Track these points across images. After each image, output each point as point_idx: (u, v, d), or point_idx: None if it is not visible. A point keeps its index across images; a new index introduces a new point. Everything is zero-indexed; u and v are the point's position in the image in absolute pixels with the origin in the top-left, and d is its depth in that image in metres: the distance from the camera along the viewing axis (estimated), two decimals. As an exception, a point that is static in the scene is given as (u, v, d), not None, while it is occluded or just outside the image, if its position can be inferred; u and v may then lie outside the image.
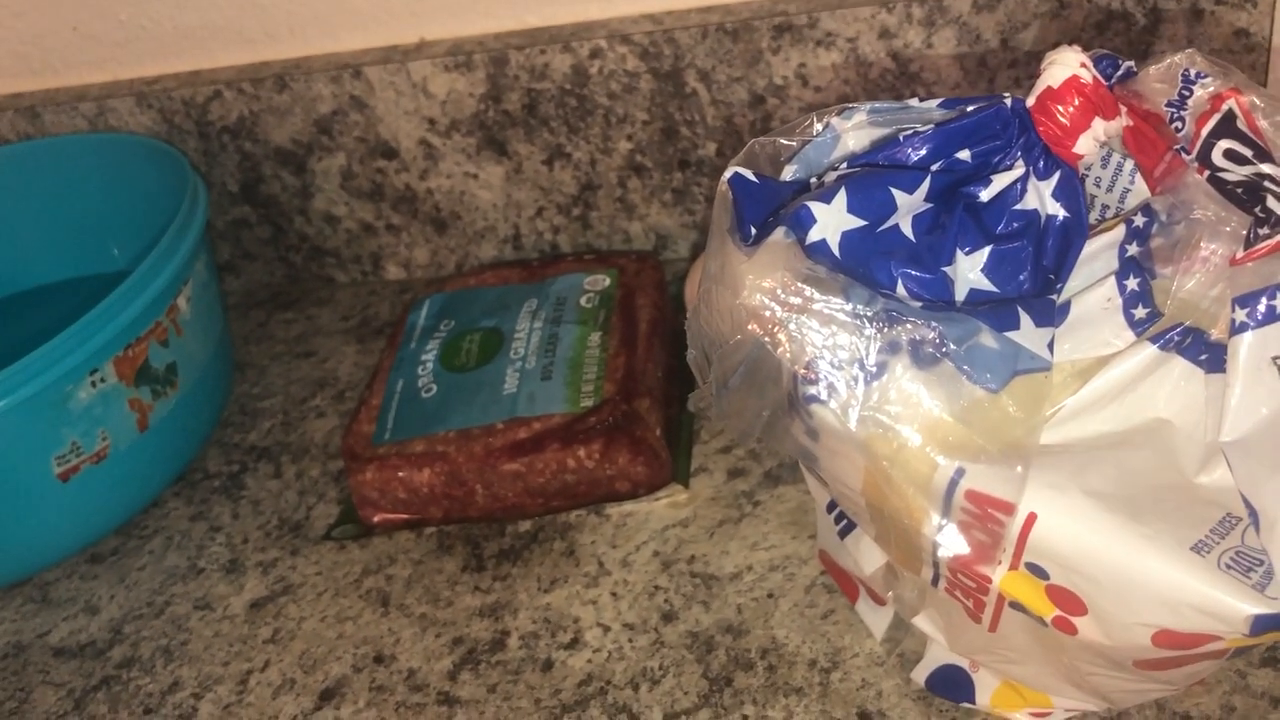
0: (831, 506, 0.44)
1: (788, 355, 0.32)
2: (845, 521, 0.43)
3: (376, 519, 0.55)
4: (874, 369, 0.32)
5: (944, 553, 0.33)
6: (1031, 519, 0.32)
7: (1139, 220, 0.34)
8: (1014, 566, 0.33)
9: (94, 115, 0.69)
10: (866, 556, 0.42)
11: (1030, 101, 0.34)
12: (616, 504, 0.54)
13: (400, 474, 0.53)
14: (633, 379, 0.54)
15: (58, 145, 0.68)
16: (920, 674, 0.43)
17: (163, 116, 0.68)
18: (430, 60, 0.64)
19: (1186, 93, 0.33)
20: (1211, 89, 0.33)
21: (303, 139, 0.68)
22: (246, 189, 0.70)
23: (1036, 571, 0.33)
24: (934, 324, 0.31)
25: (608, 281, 0.60)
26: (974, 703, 0.42)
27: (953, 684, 0.42)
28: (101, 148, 0.67)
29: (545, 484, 0.53)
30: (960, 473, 0.32)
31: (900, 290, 0.33)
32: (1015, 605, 0.34)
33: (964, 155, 0.34)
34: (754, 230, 0.34)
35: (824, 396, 0.32)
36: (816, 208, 0.33)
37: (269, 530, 0.57)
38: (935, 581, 0.36)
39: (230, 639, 0.52)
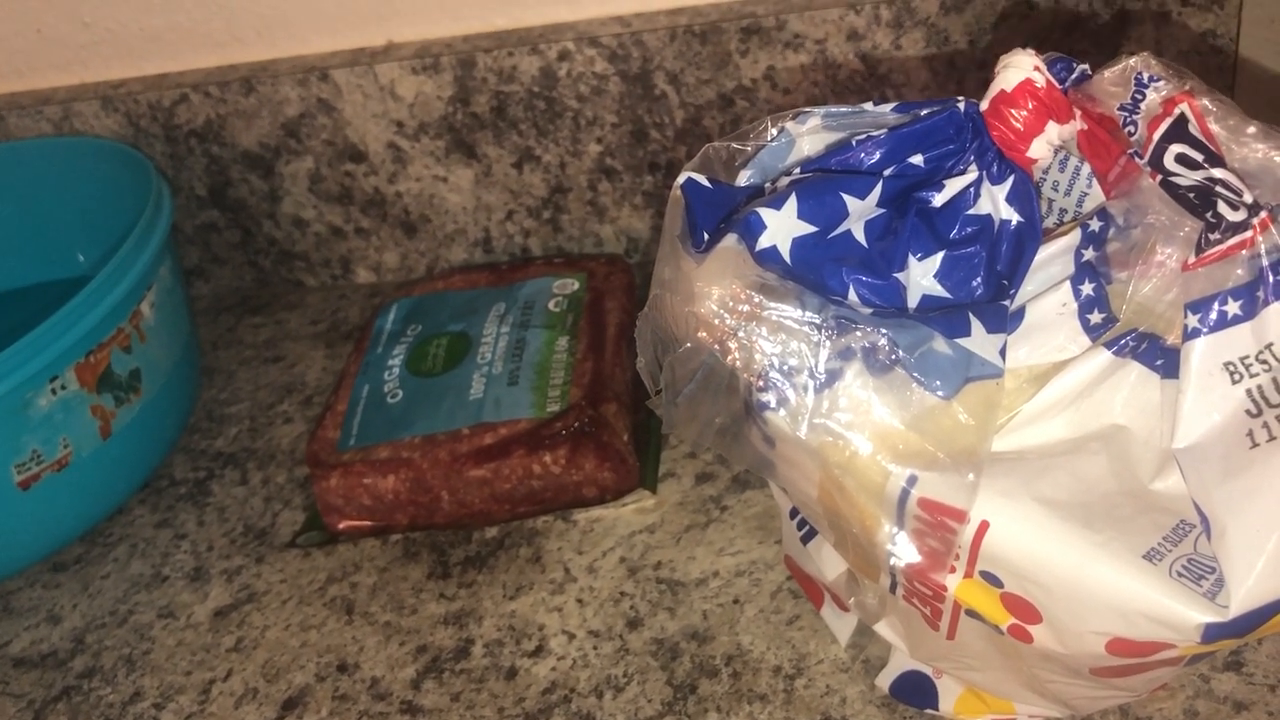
0: (794, 513, 0.43)
1: (738, 363, 0.32)
2: (807, 528, 0.43)
3: (342, 526, 0.54)
4: (824, 376, 0.32)
5: (898, 561, 0.33)
6: (984, 527, 0.32)
7: (1094, 225, 0.34)
8: (968, 574, 0.33)
9: (59, 119, 0.68)
10: (829, 563, 0.42)
11: (984, 105, 0.34)
12: (583, 510, 0.53)
13: (365, 481, 0.53)
14: (600, 384, 0.54)
15: (21, 149, 0.67)
16: (884, 680, 0.43)
17: (129, 120, 0.68)
18: (398, 63, 0.64)
19: (1140, 96, 0.33)
20: (1164, 93, 0.32)
21: (270, 142, 0.67)
22: (214, 193, 0.70)
23: (991, 580, 0.33)
24: (885, 331, 0.31)
25: (576, 285, 0.60)
26: (938, 709, 0.42)
27: (917, 691, 0.42)
28: (65, 151, 0.66)
29: (511, 490, 0.53)
30: (912, 481, 0.32)
31: (852, 296, 0.33)
32: (971, 613, 0.34)
33: (917, 160, 0.34)
34: (706, 236, 0.34)
35: (774, 405, 0.32)
36: (767, 214, 0.33)
37: (234, 538, 0.57)
38: (893, 589, 0.36)
39: (193, 648, 0.51)
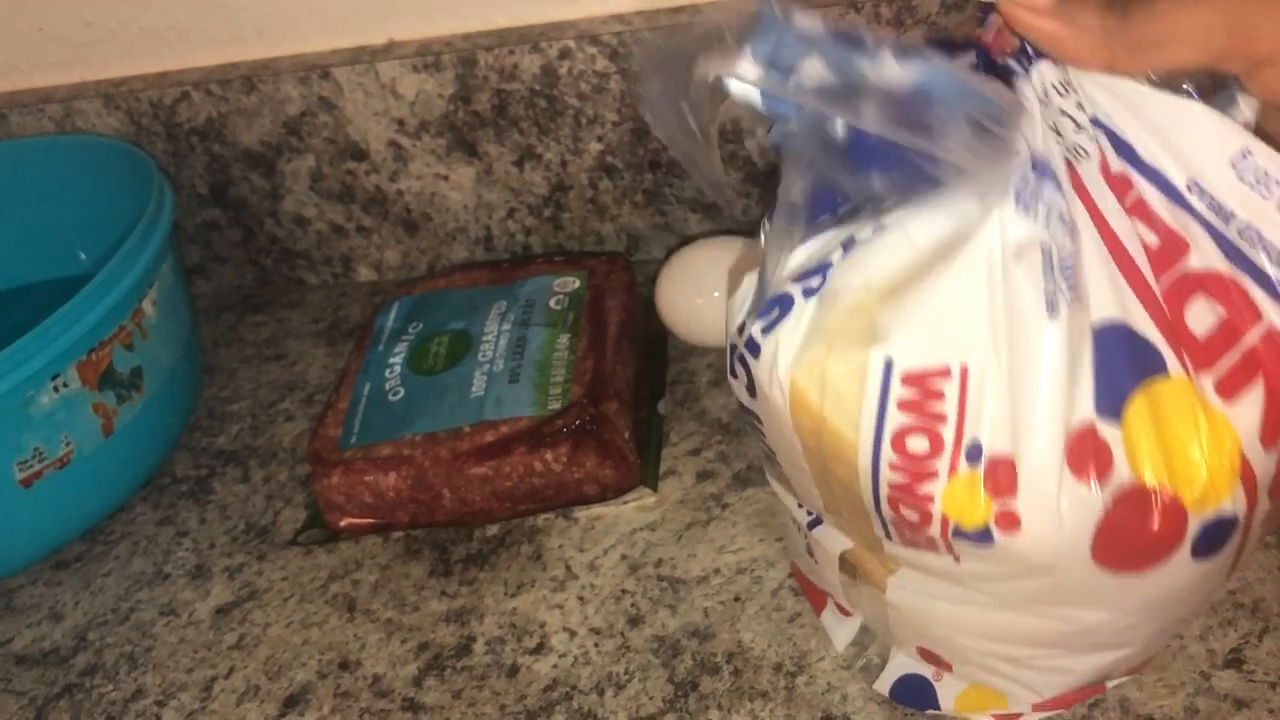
0: (805, 522, 0.43)
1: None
2: (813, 516, 0.43)
3: (343, 523, 0.54)
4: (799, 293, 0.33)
5: (887, 468, 0.34)
6: (965, 372, 0.33)
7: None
8: (953, 467, 0.33)
9: (61, 117, 0.68)
10: (829, 566, 0.42)
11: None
12: (584, 507, 0.53)
13: (366, 478, 0.53)
14: (601, 381, 0.54)
15: (22, 147, 0.67)
16: (883, 684, 0.43)
17: (130, 118, 0.68)
18: (399, 61, 0.64)
19: None
20: None
21: (272, 140, 0.67)
22: (216, 191, 0.70)
23: (974, 456, 0.33)
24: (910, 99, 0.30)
25: (577, 283, 0.60)
26: (939, 708, 0.42)
27: (916, 693, 0.42)
28: (67, 150, 0.66)
29: (512, 488, 0.53)
30: (890, 363, 0.33)
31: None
32: (960, 533, 0.34)
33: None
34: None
35: (759, 339, 0.33)
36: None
37: (236, 535, 0.57)
38: (887, 533, 0.36)
39: (195, 645, 0.51)
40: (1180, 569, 0.35)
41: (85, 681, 0.51)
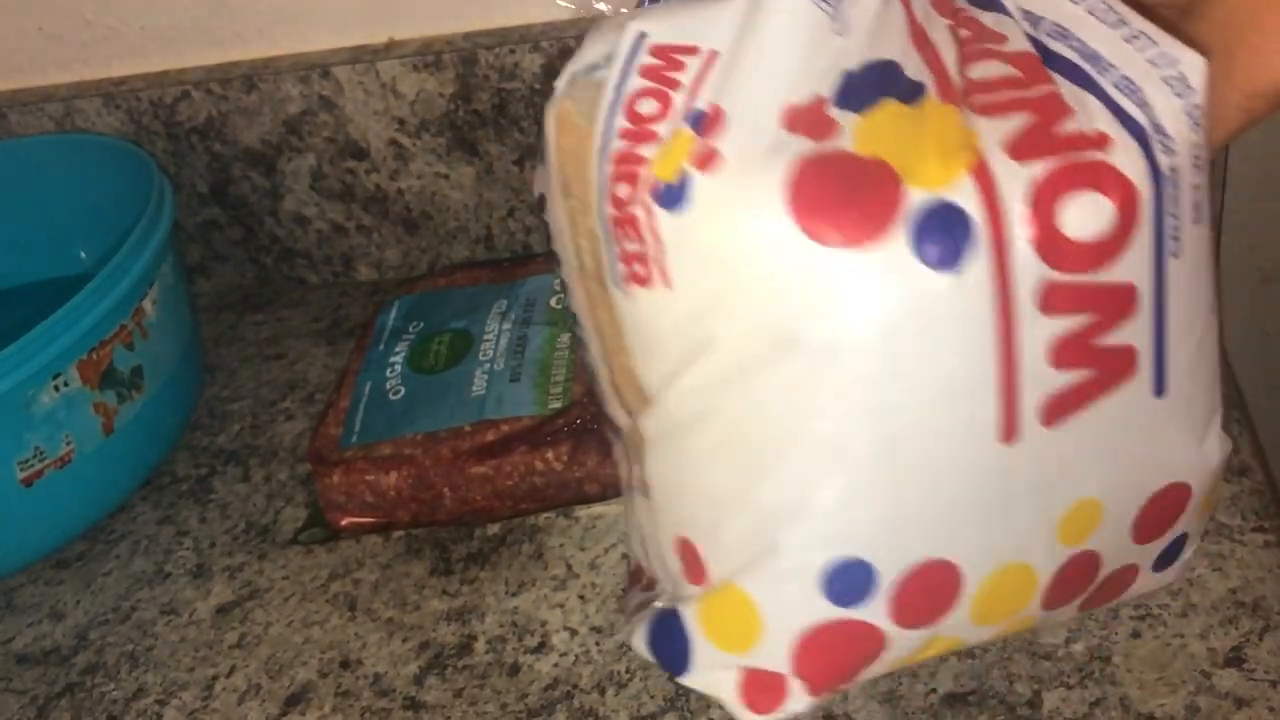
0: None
1: None
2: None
3: (344, 523, 0.54)
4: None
5: (616, 138, 0.34)
6: (713, 55, 0.34)
7: None
8: (674, 133, 0.34)
9: (61, 116, 0.68)
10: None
11: None
12: (586, 506, 0.53)
13: (367, 477, 0.53)
14: (601, 380, 0.54)
15: (22, 146, 0.67)
16: (640, 641, 0.42)
17: (130, 117, 0.68)
18: (399, 60, 0.64)
19: None
20: None
21: (272, 139, 0.67)
22: (216, 190, 0.70)
23: (695, 120, 0.33)
24: None
25: (578, 282, 0.60)
26: (687, 648, 0.40)
27: (670, 635, 0.40)
28: (67, 149, 0.66)
29: (513, 487, 0.53)
30: (643, 35, 0.34)
31: None
32: (659, 195, 0.33)
33: None
34: None
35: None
36: None
37: (236, 534, 0.57)
38: (613, 267, 0.36)
39: (196, 644, 0.51)
40: (904, 265, 0.32)
41: (86, 680, 0.51)
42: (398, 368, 0.57)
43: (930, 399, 0.34)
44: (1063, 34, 0.35)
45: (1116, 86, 0.34)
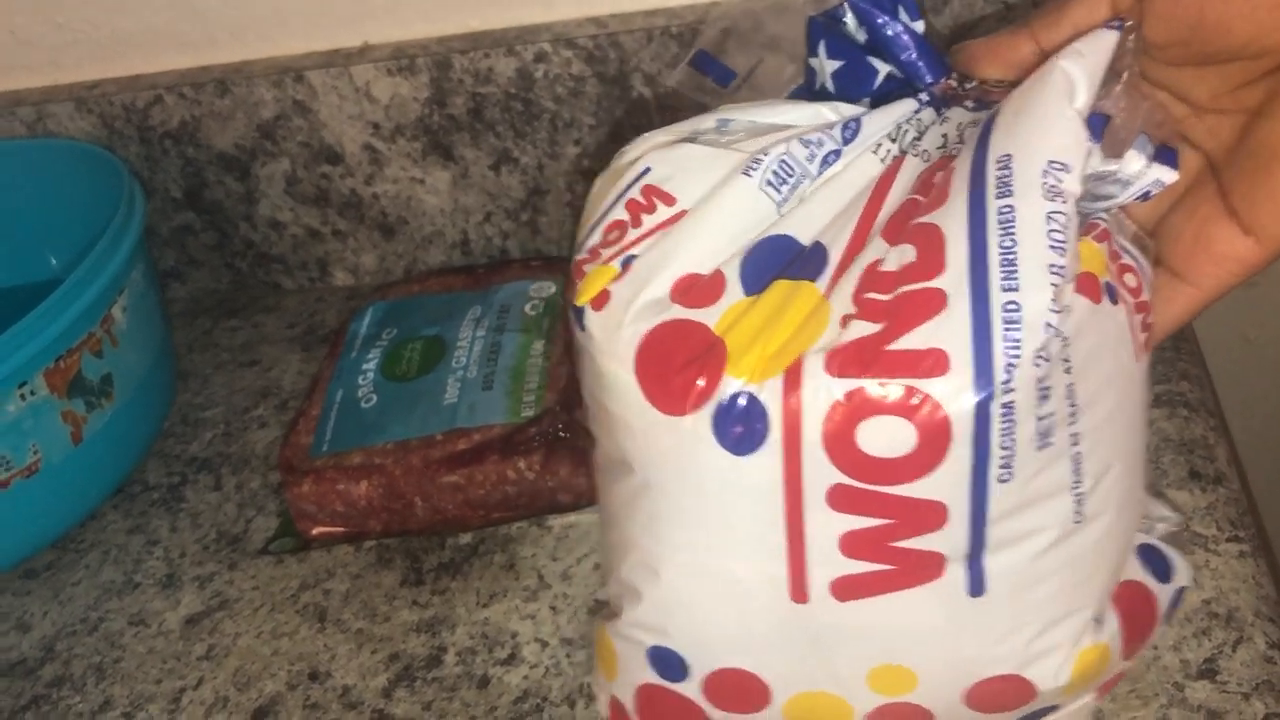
0: None
1: None
2: None
3: (315, 532, 0.54)
4: None
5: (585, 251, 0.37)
6: (681, 215, 0.37)
7: None
8: (609, 259, 0.36)
9: (32, 120, 0.68)
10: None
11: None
12: (558, 516, 0.53)
13: (338, 487, 0.52)
14: (575, 388, 0.53)
15: (-8, 151, 0.67)
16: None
17: (103, 122, 0.67)
18: (373, 64, 0.63)
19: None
20: None
21: (246, 144, 0.67)
22: (190, 195, 0.69)
23: (625, 262, 0.37)
24: None
25: (553, 289, 0.59)
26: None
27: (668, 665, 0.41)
28: (36, 153, 0.66)
29: (485, 496, 0.52)
30: (645, 171, 0.37)
31: None
32: (575, 310, 0.37)
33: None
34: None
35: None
36: None
37: (207, 544, 0.56)
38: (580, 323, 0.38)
39: (164, 656, 0.51)
40: (705, 441, 0.34)
41: (52, 693, 0.50)
42: (370, 375, 0.57)
43: (730, 549, 0.36)
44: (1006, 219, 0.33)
45: (1002, 306, 0.33)
